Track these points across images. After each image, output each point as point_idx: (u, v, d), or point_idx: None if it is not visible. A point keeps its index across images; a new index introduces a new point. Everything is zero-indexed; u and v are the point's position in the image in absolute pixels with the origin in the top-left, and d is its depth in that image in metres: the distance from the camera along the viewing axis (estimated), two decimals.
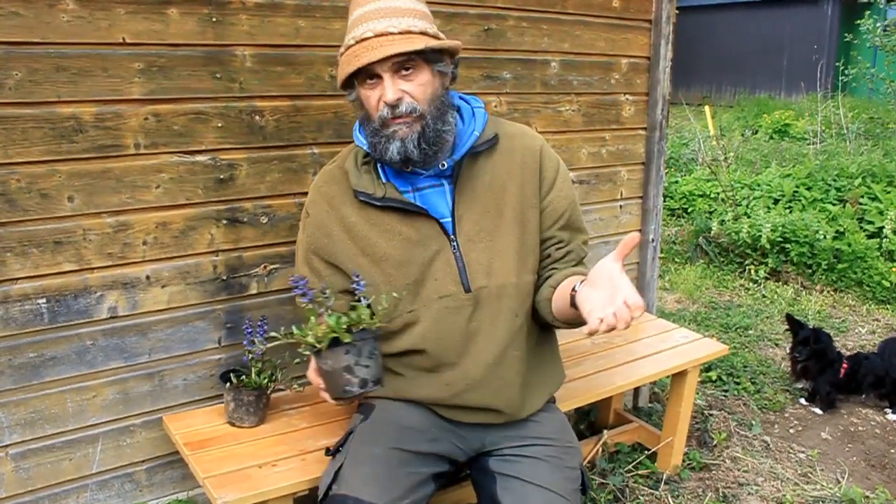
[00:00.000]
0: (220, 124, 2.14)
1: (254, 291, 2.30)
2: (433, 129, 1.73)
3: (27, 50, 1.83)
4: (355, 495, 1.70)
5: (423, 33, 1.68)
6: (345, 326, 1.58)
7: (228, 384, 2.12)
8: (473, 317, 1.84)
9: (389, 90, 1.68)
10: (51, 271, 1.97)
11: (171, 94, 2.04)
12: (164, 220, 2.11)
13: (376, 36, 1.64)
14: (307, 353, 1.63)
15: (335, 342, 1.58)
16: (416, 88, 1.71)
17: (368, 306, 1.73)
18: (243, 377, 2.13)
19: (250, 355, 2.15)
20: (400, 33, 1.65)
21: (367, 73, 1.69)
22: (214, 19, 2.07)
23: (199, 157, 2.13)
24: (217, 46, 2.09)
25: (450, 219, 1.84)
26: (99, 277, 2.04)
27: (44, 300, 1.97)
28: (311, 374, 1.78)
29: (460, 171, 1.83)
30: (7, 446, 1.99)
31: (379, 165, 1.85)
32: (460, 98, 1.91)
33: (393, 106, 1.69)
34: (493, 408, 1.89)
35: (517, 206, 1.87)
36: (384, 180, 1.83)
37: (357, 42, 1.67)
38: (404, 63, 1.68)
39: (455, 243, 1.84)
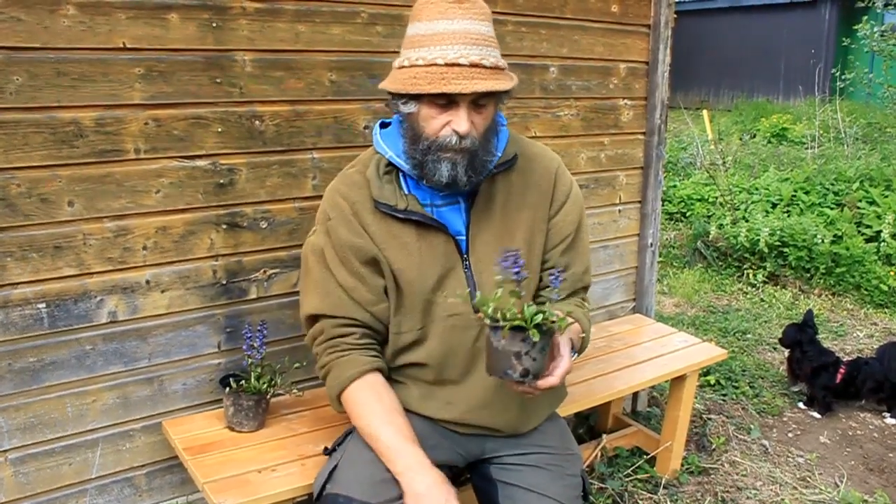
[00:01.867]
0: (220, 129, 2.14)
1: (253, 296, 2.30)
2: (481, 159, 1.72)
3: (28, 55, 1.83)
4: (348, 494, 1.71)
5: (506, 70, 1.67)
6: (538, 322, 1.55)
7: (228, 389, 2.12)
8: (480, 337, 1.83)
9: (464, 122, 1.65)
10: (51, 276, 1.97)
11: (171, 99, 2.05)
12: (164, 224, 2.11)
13: (471, 66, 1.60)
14: (485, 321, 1.60)
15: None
16: (482, 122, 1.70)
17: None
18: (243, 382, 2.13)
19: (250, 360, 2.15)
20: (492, 68, 1.62)
21: (443, 95, 1.63)
22: (215, 24, 2.07)
23: (200, 162, 2.13)
24: (217, 51, 2.10)
25: (464, 237, 1.83)
26: (99, 282, 2.04)
27: (44, 305, 1.97)
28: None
29: (477, 190, 1.82)
30: (6, 451, 1.99)
31: (402, 176, 1.82)
32: None
33: (462, 136, 1.66)
34: (493, 427, 1.90)
35: (527, 230, 1.87)
36: (406, 192, 1.81)
37: (447, 64, 1.60)
38: (482, 96, 1.65)
39: (467, 262, 1.83)
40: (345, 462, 1.80)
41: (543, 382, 1.63)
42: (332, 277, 1.82)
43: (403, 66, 1.67)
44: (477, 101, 1.66)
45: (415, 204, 1.79)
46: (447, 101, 1.64)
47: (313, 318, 1.87)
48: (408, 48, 1.68)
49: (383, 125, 1.87)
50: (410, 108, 1.70)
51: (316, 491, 1.81)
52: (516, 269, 1.55)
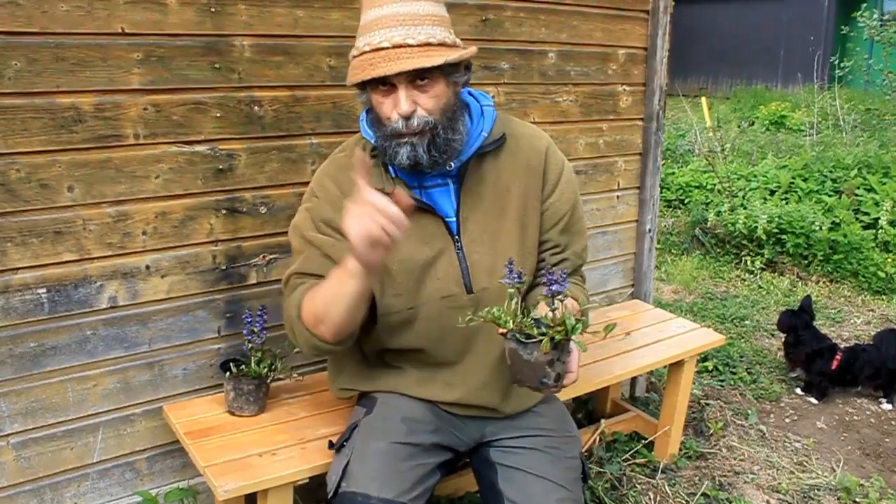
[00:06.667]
0: (219, 114, 2.14)
1: (253, 281, 2.30)
2: (443, 138, 1.71)
3: (26, 40, 1.83)
4: (364, 491, 1.71)
5: (441, 44, 1.64)
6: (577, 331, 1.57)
7: (228, 373, 2.13)
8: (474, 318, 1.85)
9: (404, 102, 1.65)
10: (51, 261, 1.97)
11: (170, 85, 2.05)
12: (163, 210, 2.11)
13: (394, 47, 1.60)
14: (508, 337, 1.60)
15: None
16: (429, 101, 1.68)
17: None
18: (243, 366, 2.14)
19: (250, 345, 2.16)
20: (418, 46, 1.61)
21: (380, 80, 1.65)
22: (213, 9, 2.07)
23: (199, 148, 2.13)
24: (216, 36, 2.09)
25: (454, 219, 1.84)
26: (99, 267, 2.04)
27: (44, 290, 1.97)
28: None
29: (466, 171, 1.82)
30: (8, 435, 2.00)
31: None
32: (469, 94, 1.88)
33: (407, 118, 1.66)
34: (492, 407, 1.91)
35: (520, 208, 1.87)
36: (393, 175, 1.81)
37: (372, 50, 1.61)
38: (420, 74, 1.64)
39: (459, 244, 1.84)
40: (356, 457, 1.79)
41: (567, 381, 1.65)
42: (309, 243, 1.84)
43: (353, 57, 1.69)
44: (417, 80, 1.65)
45: (402, 187, 1.79)
46: (385, 83, 1.66)
47: (286, 281, 1.89)
48: (357, 38, 1.70)
49: (369, 111, 1.87)
50: (363, 97, 1.75)
51: (331, 488, 1.80)
52: (556, 282, 1.57)
